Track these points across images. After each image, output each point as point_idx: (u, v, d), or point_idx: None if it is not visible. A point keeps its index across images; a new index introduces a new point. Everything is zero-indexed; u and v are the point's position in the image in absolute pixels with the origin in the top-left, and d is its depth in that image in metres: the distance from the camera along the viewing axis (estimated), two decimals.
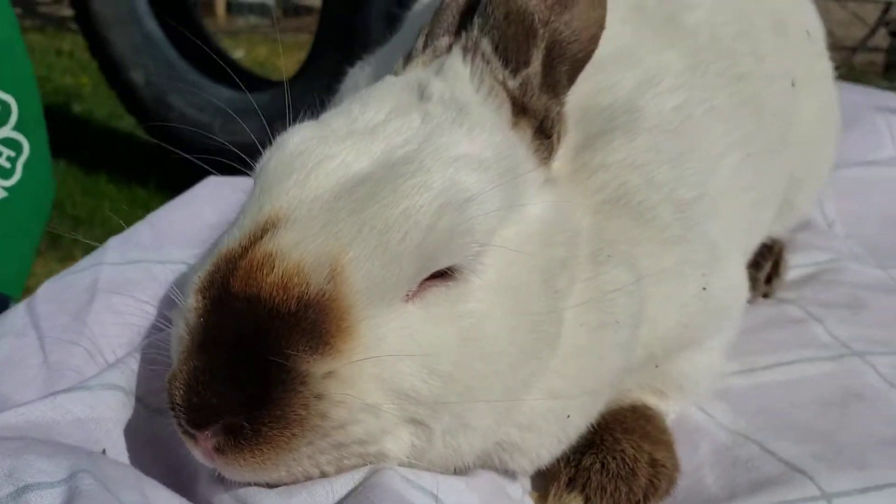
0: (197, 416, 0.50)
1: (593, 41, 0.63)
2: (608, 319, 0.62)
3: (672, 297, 0.68)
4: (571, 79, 0.63)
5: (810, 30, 0.97)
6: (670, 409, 0.76)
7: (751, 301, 0.98)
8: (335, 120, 0.60)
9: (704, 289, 0.70)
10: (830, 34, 1.04)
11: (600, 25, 0.63)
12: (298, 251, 0.52)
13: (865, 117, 1.36)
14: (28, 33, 4.50)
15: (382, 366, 0.52)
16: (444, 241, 0.53)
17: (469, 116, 0.59)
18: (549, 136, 0.62)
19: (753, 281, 0.99)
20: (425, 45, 0.66)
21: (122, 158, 2.94)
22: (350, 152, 0.56)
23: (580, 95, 0.68)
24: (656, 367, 0.70)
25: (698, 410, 0.80)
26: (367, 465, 0.54)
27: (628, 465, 0.66)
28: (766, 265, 1.01)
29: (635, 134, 0.68)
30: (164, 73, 2.70)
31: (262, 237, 0.53)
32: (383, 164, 0.55)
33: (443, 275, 0.54)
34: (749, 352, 0.88)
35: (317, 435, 0.51)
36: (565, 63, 0.62)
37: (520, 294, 0.57)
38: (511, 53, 0.60)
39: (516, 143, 0.60)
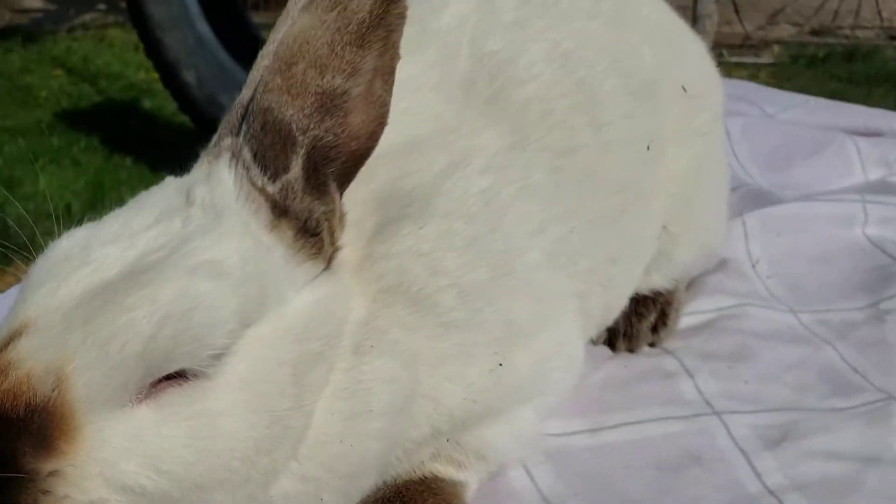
0: None
1: (373, 138, 0.62)
2: (361, 409, 0.62)
3: (454, 377, 0.68)
4: (348, 175, 0.63)
5: (688, 85, 0.93)
6: (470, 480, 0.75)
7: (633, 351, 0.97)
8: (109, 223, 0.61)
9: (500, 365, 0.70)
10: None
11: (381, 123, 0.62)
12: (31, 360, 0.54)
13: (835, 141, 1.30)
14: (109, 28, 4.73)
15: (104, 465, 0.54)
16: (167, 350, 0.55)
17: (223, 222, 0.60)
18: (316, 234, 0.62)
19: (636, 332, 0.98)
20: (215, 144, 0.67)
21: (186, 155, 3.07)
22: (107, 259, 0.58)
23: (384, 180, 0.68)
24: (447, 440, 0.71)
25: (524, 473, 0.80)
26: None
27: None
28: (650, 316, 0.98)
29: (425, 221, 0.67)
30: (215, 73, 2.81)
31: (8, 345, 0.56)
32: (129, 272, 0.56)
33: (180, 376, 0.56)
34: (604, 409, 0.86)
35: None
36: (332, 165, 0.61)
37: (263, 391, 0.58)
38: (269, 161, 0.61)
39: (273, 246, 0.61)
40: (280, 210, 0.61)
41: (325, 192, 0.62)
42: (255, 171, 0.61)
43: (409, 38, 0.73)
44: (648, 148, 0.85)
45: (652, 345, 0.98)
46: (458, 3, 0.81)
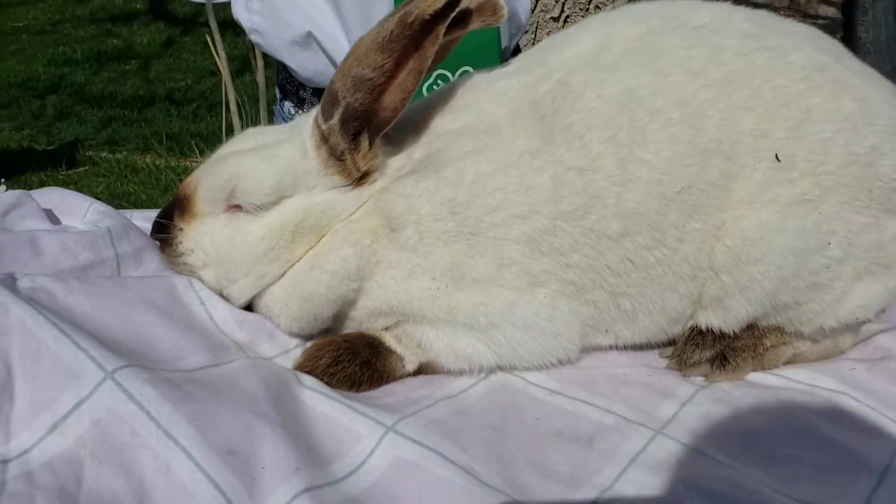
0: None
1: (396, 111, 0.91)
2: (317, 264, 0.93)
3: (399, 280, 0.94)
4: (377, 130, 0.92)
5: (789, 157, 0.90)
6: (407, 357, 0.97)
7: (682, 373, 1.00)
8: (268, 128, 1.06)
9: (438, 289, 0.94)
10: None
11: (404, 102, 0.90)
12: (192, 178, 1.00)
13: None
14: None
15: (197, 233, 0.98)
16: (233, 191, 0.94)
17: (294, 137, 0.96)
18: (342, 160, 0.94)
19: (685, 357, 0.99)
20: None
21: None
22: (245, 141, 1.01)
23: (434, 148, 0.96)
24: (395, 321, 0.98)
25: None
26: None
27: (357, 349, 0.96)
28: (705, 350, 0.96)
29: (426, 178, 0.92)
30: None
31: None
32: (250, 150, 0.98)
33: (242, 208, 0.96)
34: (578, 383, 0.96)
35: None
36: (360, 122, 0.91)
37: (275, 231, 0.94)
38: (325, 111, 0.92)
39: (314, 158, 0.94)
40: (324, 139, 0.94)
41: (355, 138, 0.93)
42: (319, 115, 0.94)
43: (529, 60, 1.03)
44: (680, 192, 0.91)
45: (706, 377, 0.99)
46: (580, 43, 0.99)
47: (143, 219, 1.19)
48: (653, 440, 0.87)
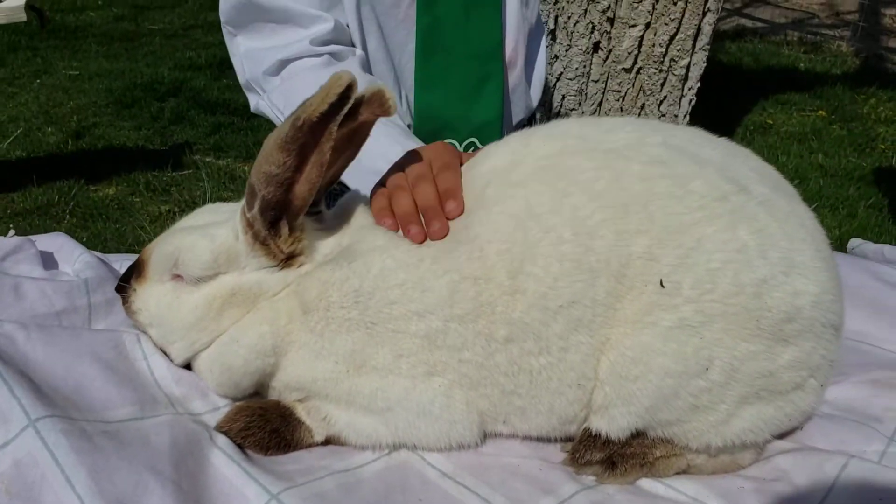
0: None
1: (305, 201, 1.00)
2: (236, 338, 1.04)
3: (307, 361, 1.03)
4: (295, 216, 1.02)
5: (674, 283, 0.96)
6: (315, 429, 1.06)
7: (574, 470, 1.06)
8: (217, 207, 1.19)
9: (344, 373, 1.03)
10: None
11: (311, 192, 0.99)
12: (150, 246, 1.11)
13: None
14: None
15: (144, 295, 1.09)
16: (175, 263, 1.05)
17: (229, 222, 1.05)
18: (266, 245, 1.03)
19: (576, 456, 1.05)
20: None
21: None
22: (189, 220, 1.14)
23: (354, 240, 1.06)
24: (301, 400, 1.07)
25: None
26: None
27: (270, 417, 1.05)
28: (595, 453, 1.01)
29: (340, 268, 1.02)
30: None
31: None
32: (188, 227, 1.11)
33: (182, 278, 1.06)
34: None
35: None
36: (275, 211, 1.01)
37: (206, 303, 1.04)
38: (248, 201, 1.01)
39: (243, 242, 1.04)
40: (249, 226, 1.03)
41: (274, 225, 1.03)
42: (244, 205, 1.03)
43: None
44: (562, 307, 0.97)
45: (597, 478, 1.04)
46: (498, 158, 1.08)
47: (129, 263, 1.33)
48: None
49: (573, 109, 3.42)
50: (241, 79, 1.65)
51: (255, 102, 1.66)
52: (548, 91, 1.85)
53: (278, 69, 1.54)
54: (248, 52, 1.48)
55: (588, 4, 3.24)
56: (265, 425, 1.04)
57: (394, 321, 1.00)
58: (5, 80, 6.28)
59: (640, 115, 3.38)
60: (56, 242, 1.32)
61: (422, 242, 1.02)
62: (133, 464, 0.92)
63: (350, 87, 0.92)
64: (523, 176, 1.02)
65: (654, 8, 3.24)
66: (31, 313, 1.13)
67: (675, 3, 3.26)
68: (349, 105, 0.94)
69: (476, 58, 1.47)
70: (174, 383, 1.09)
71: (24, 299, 1.14)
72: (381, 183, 1.15)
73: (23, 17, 3.90)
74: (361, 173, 1.24)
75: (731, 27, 9.06)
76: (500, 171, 1.06)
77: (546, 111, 1.86)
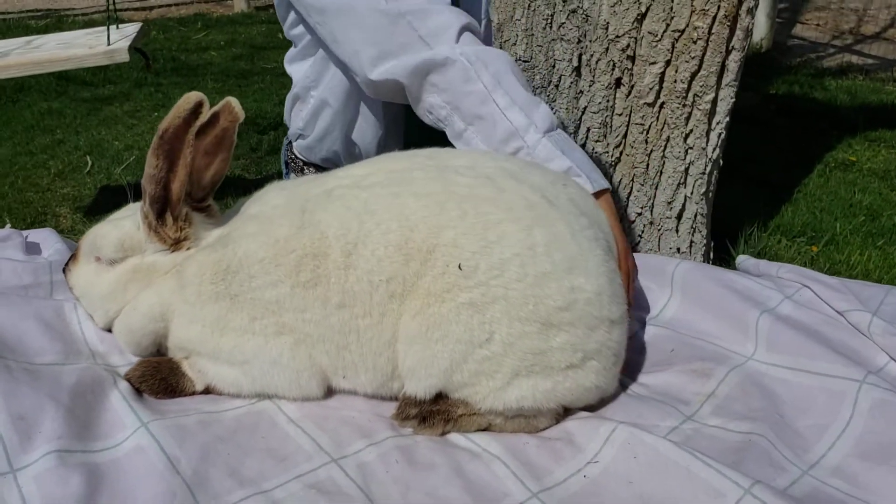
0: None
1: (179, 196, 1.27)
2: (135, 305, 1.31)
3: (183, 326, 1.29)
4: (171, 209, 1.29)
5: (470, 267, 1.19)
6: (196, 380, 1.32)
7: (398, 423, 1.29)
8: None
9: (207, 334, 1.29)
10: None
11: (182, 188, 1.26)
12: (82, 238, 1.46)
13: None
14: None
15: (76, 274, 1.39)
16: (93, 248, 1.34)
17: (135, 216, 1.33)
18: (158, 232, 1.30)
19: (399, 412, 1.28)
20: None
21: None
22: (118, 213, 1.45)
23: (232, 227, 1.32)
24: (187, 357, 1.33)
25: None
26: None
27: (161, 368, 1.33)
28: (411, 409, 1.25)
29: (213, 250, 1.28)
30: None
31: None
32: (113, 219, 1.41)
33: (100, 259, 1.36)
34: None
35: None
36: (157, 204, 1.27)
37: (116, 279, 1.32)
38: (142, 196, 1.28)
39: (142, 230, 1.31)
40: (145, 217, 1.31)
41: (161, 216, 1.29)
42: (142, 200, 1.31)
43: (324, 175, 1.39)
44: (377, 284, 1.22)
45: (414, 430, 1.27)
46: (358, 169, 1.36)
47: None
48: (323, 466, 1.18)
49: (598, 141, 3.62)
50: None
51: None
52: None
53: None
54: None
55: (609, 43, 3.45)
56: (157, 374, 1.32)
57: (252, 291, 1.25)
58: (128, 113, 6.95)
59: (665, 147, 3.54)
60: (43, 235, 1.67)
61: None
62: (38, 392, 1.21)
63: (200, 104, 1.20)
64: (372, 182, 1.29)
65: (673, 47, 3.41)
66: (3, 285, 1.46)
67: (694, 42, 3.41)
68: (203, 117, 1.22)
69: None
70: (99, 342, 1.39)
71: (0, 275, 1.48)
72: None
73: (126, 58, 4.41)
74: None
75: (836, 64, 8.94)
76: (355, 177, 1.32)
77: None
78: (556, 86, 3.68)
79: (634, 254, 1.68)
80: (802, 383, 1.33)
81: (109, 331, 1.40)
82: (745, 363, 1.39)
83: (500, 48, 3.46)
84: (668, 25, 3.39)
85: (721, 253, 4.27)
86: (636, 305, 1.53)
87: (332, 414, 1.29)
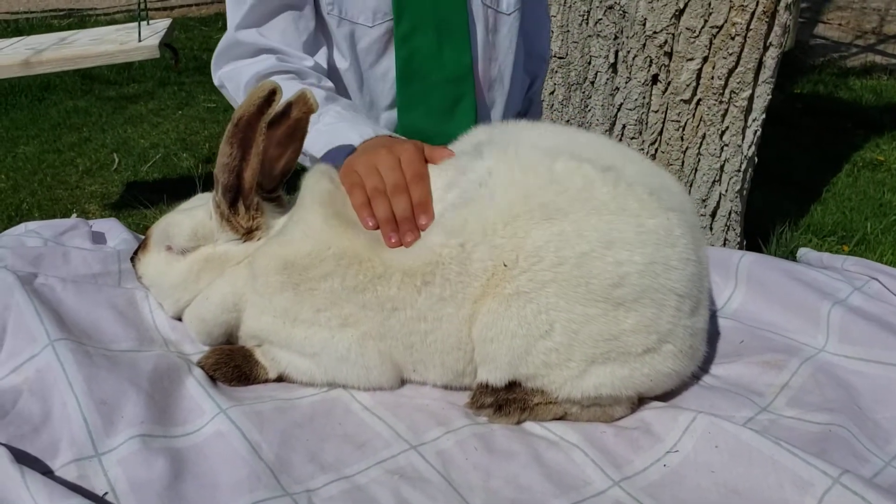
0: None
1: (251, 185, 1.27)
2: (208, 295, 1.32)
3: (255, 316, 1.30)
4: (244, 198, 1.29)
5: (510, 262, 1.19)
6: (269, 368, 1.32)
7: (473, 412, 1.29)
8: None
9: (278, 324, 1.29)
10: None
11: (253, 176, 1.26)
12: (152, 227, 1.46)
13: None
14: None
15: (147, 263, 1.41)
16: (165, 237, 1.35)
17: (206, 205, 1.34)
18: (230, 221, 1.31)
19: (473, 400, 1.28)
20: None
21: None
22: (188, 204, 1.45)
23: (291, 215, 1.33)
24: (259, 345, 1.34)
25: None
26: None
27: (234, 356, 1.33)
28: (486, 398, 1.23)
29: (275, 241, 1.28)
30: None
31: None
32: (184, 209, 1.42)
33: (171, 248, 1.38)
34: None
35: None
36: (229, 193, 1.27)
37: (188, 268, 1.33)
38: (215, 186, 1.29)
39: (214, 219, 1.32)
40: (217, 206, 1.32)
41: (233, 205, 1.30)
42: (214, 189, 1.32)
43: None
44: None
45: (489, 419, 1.27)
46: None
47: None
48: (402, 453, 1.18)
49: (633, 139, 3.61)
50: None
51: None
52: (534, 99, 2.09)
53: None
54: (228, 72, 1.76)
55: (646, 39, 3.45)
56: (230, 362, 1.32)
57: (308, 281, 1.25)
58: (153, 111, 7.00)
59: (700, 144, 3.53)
60: (108, 225, 1.68)
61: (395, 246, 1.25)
62: (119, 377, 1.22)
63: (273, 92, 1.20)
64: None
65: (711, 43, 3.41)
66: (73, 273, 1.47)
67: (732, 38, 3.40)
68: (275, 106, 1.22)
69: (449, 81, 1.72)
70: (171, 330, 1.40)
71: (69, 263, 1.48)
72: (356, 170, 1.36)
73: (157, 53, 4.45)
74: (336, 149, 1.51)
75: (860, 63, 8.88)
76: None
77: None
78: (592, 83, 3.68)
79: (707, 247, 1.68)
80: (879, 374, 1.32)
81: (179, 320, 1.41)
82: (818, 355, 1.38)
83: None
84: (706, 21, 3.41)
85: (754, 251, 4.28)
86: None
87: (406, 402, 1.29)
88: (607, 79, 3.58)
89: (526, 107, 2.06)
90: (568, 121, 3.72)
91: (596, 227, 1.17)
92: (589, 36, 3.62)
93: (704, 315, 1.28)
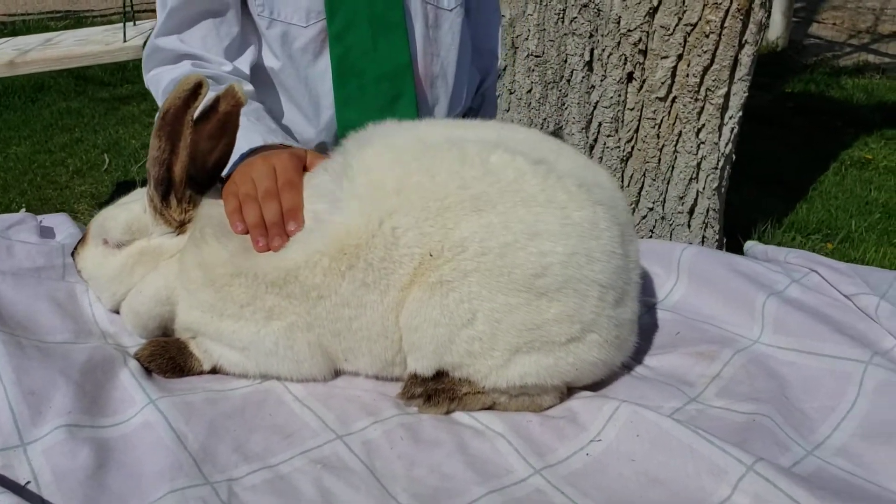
0: None
1: (181, 178, 1.28)
2: (140, 288, 1.34)
3: (187, 309, 1.31)
4: (175, 191, 1.30)
5: (435, 252, 1.20)
6: (203, 359, 1.32)
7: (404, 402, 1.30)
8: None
9: (206, 319, 1.30)
10: None
11: (183, 170, 1.27)
12: (91, 222, 1.46)
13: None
14: None
15: (83, 257, 1.42)
16: (101, 231, 1.36)
17: (142, 197, 1.35)
18: (163, 215, 1.32)
19: (404, 391, 1.29)
20: None
21: None
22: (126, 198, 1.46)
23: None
24: (193, 337, 1.34)
25: None
26: None
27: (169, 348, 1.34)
28: (416, 388, 1.24)
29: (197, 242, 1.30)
30: None
31: None
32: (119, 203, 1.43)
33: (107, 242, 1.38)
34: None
35: None
36: (161, 186, 1.28)
37: (123, 262, 1.34)
38: (147, 180, 1.31)
39: (148, 213, 1.33)
40: (150, 200, 1.33)
41: (165, 198, 1.31)
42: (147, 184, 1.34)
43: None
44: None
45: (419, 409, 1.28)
46: None
47: None
48: (328, 443, 1.19)
49: (609, 136, 3.62)
50: None
51: None
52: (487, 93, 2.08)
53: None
54: (151, 78, 1.76)
55: (620, 38, 3.46)
56: (165, 354, 1.33)
57: (222, 278, 1.26)
58: (145, 112, 7.02)
59: (677, 142, 3.53)
60: (58, 220, 1.70)
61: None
62: (50, 368, 1.23)
63: (200, 85, 1.22)
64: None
65: (685, 41, 3.41)
66: (16, 267, 1.48)
67: (706, 36, 3.41)
68: (202, 99, 1.23)
69: (386, 78, 1.73)
70: (109, 323, 1.41)
71: (14, 257, 1.50)
72: (234, 180, 1.38)
73: (141, 54, 4.45)
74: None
75: (853, 62, 8.88)
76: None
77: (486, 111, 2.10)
78: (568, 80, 3.69)
79: (650, 240, 1.69)
80: (810, 365, 1.33)
81: (117, 312, 1.42)
82: (752, 346, 1.39)
83: (513, 44, 3.48)
84: (680, 19, 3.41)
85: (734, 250, 4.28)
86: (642, 290, 1.53)
87: (338, 393, 1.30)
88: (583, 77, 3.58)
89: (479, 103, 2.07)
90: (545, 119, 3.73)
91: (522, 218, 1.18)
92: (565, 34, 3.63)
93: (632, 306, 1.29)
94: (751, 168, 5.52)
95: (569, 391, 1.30)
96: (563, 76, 3.63)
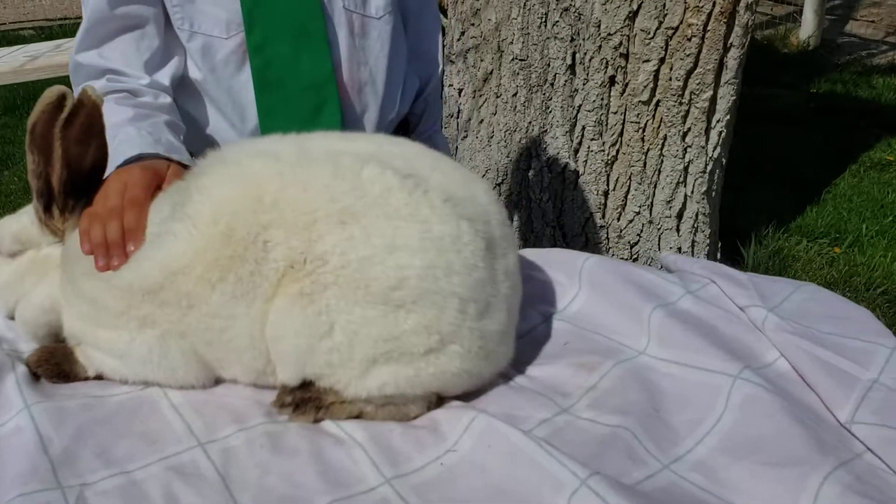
0: None
1: (59, 189, 1.30)
2: (29, 298, 1.37)
3: (69, 317, 1.34)
4: (57, 202, 1.32)
5: (308, 262, 1.22)
6: (87, 365, 1.34)
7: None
8: None
9: (83, 327, 1.33)
10: None
11: (59, 181, 1.29)
12: None
13: None
14: None
15: None
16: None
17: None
18: (47, 225, 1.34)
19: (277, 399, 1.30)
20: None
21: None
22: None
23: None
24: (78, 344, 1.36)
25: None
26: None
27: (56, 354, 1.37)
28: (287, 397, 1.26)
29: (64, 257, 1.33)
30: None
31: None
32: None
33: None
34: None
35: None
36: (42, 197, 1.31)
37: (14, 271, 1.38)
38: (32, 192, 1.33)
39: (35, 223, 1.35)
40: (36, 211, 1.35)
41: (48, 209, 1.34)
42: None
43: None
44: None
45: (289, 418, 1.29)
46: None
47: None
48: (188, 450, 1.22)
49: (594, 140, 3.60)
50: None
51: None
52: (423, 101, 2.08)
53: None
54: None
55: (601, 42, 3.44)
56: (52, 359, 1.37)
57: (93, 291, 1.29)
58: None
59: (662, 146, 3.49)
60: None
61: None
62: None
63: (63, 97, 1.25)
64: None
65: (667, 44, 3.37)
66: None
67: (689, 40, 3.36)
68: (66, 111, 1.26)
69: (309, 88, 1.75)
70: (7, 329, 1.45)
71: None
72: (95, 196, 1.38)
73: None
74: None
75: (887, 61, 8.67)
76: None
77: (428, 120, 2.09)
78: (552, 84, 3.67)
79: (555, 249, 1.69)
80: (686, 378, 1.32)
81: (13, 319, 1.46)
82: (637, 357, 1.39)
83: (498, 48, 3.48)
84: (660, 23, 3.38)
85: (733, 254, 4.22)
86: (542, 299, 1.53)
87: (214, 400, 1.33)
88: (566, 80, 3.56)
89: (421, 108, 2.07)
90: (530, 122, 3.72)
91: (383, 232, 1.20)
92: (547, 38, 3.61)
93: (499, 318, 1.29)
94: (767, 169, 5.43)
95: (440, 401, 1.31)
96: (546, 80, 3.61)
